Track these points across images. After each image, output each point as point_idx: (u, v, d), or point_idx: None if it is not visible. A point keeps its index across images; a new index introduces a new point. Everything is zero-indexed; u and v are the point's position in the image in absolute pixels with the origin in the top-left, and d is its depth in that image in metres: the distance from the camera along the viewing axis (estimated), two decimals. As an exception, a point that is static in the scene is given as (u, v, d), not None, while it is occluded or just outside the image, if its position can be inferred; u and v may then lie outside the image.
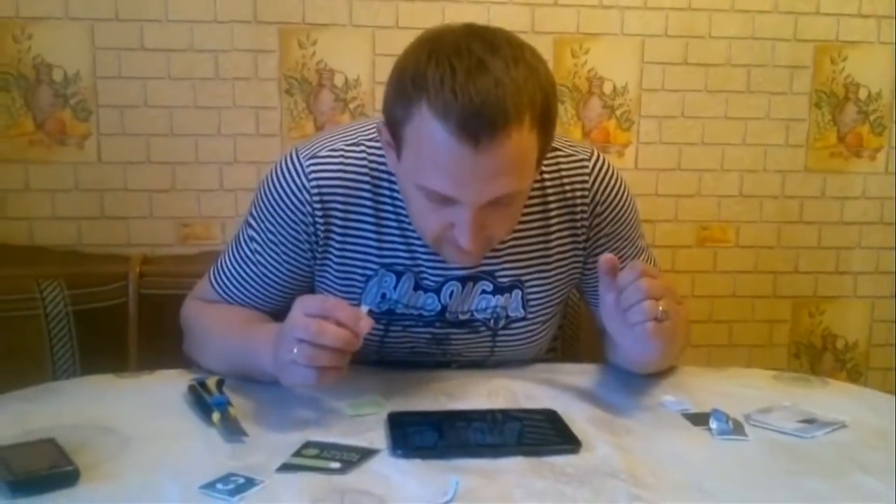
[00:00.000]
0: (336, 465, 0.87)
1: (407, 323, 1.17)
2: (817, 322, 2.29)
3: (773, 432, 1.01)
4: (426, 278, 1.15)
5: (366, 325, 0.95)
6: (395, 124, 0.99)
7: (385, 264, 1.14)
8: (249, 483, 0.83)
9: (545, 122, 0.97)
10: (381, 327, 1.17)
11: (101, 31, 1.92)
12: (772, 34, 2.13)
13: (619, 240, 1.19)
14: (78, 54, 1.92)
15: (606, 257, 0.99)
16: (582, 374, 1.18)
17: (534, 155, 0.98)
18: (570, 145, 1.18)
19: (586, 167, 1.16)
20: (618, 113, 2.13)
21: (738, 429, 1.01)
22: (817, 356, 2.31)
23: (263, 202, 1.15)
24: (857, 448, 0.97)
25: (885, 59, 2.18)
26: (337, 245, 1.14)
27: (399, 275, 1.14)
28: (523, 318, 1.19)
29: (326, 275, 1.16)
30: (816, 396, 1.15)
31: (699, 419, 1.03)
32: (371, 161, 1.12)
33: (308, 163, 1.11)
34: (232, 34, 1.96)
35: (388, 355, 1.19)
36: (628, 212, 1.19)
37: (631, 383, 1.14)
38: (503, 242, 1.14)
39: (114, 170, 1.97)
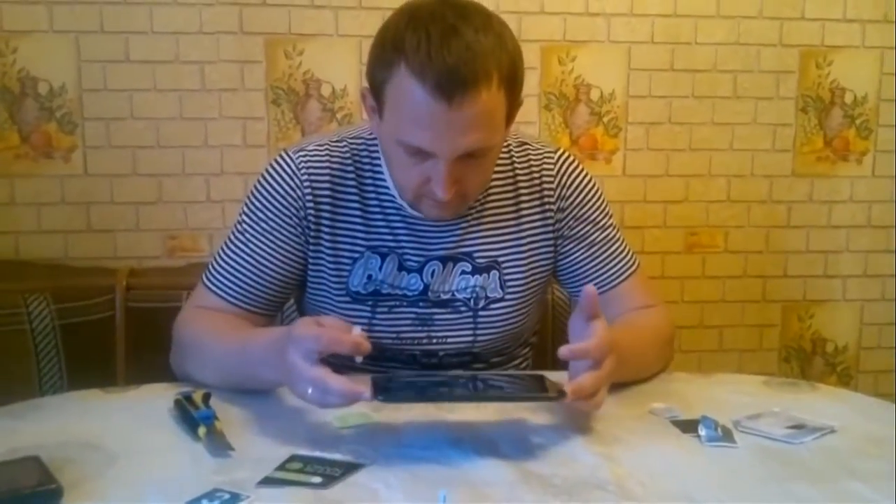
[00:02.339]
0: (318, 479, 0.87)
1: (392, 303, 1.22)
2: (807, 326, 2.29)
3: (763, 438, 1.01)
4: (409, 259, 1.22)
5: (366, 346, 0.97)
6: (377, 86, 1.08)
7: (371, 246, 1.21)
8: (235, 498, 0.82)
9: (512, 83, 1.07)
10: (368, 309, 1.22)
11: (87, 43, 1.91)
12: (757, 40, 2.14)
13: (587, 223, 1.28)
14: (63, 67, 1.92)
15: (589, 289, 1.03)
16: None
17: (502, 112, 1.08)
18: (540, 143, 1.30)
19: (552, 158, 1.27)
20: (605, 120, 2.13)
21: (727, 435, 1.01)
22: (807, 360, 2.31)
23: (257, 196, 1.22)
24: (847, 453, 0.97)
25: (871, 62, 2.19)
26: (327, 229, 1.21)
27: (383, 256, 1.21)
28: (502, 299, 1.24)
29: (321, 259, 1.22)
30: (806, 402, 1.14)
31: (688, 426, 1.03)
32: (354, 153, 1.22)
33: (297, 155, 1.21)
34: (218, 45, 1.96)
35: (376, 342, 1.19)
36: (594, 197, 1.28)
37: (620, 391, 1.14)
38: (479, 224, 1.23)
39: (100, 182, 1.96)
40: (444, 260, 1.23)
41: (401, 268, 1.21)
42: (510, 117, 1.11)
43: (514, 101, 1.09)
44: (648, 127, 2.15)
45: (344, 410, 1.03)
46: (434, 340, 1.24)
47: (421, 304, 1.23)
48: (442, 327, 1.24)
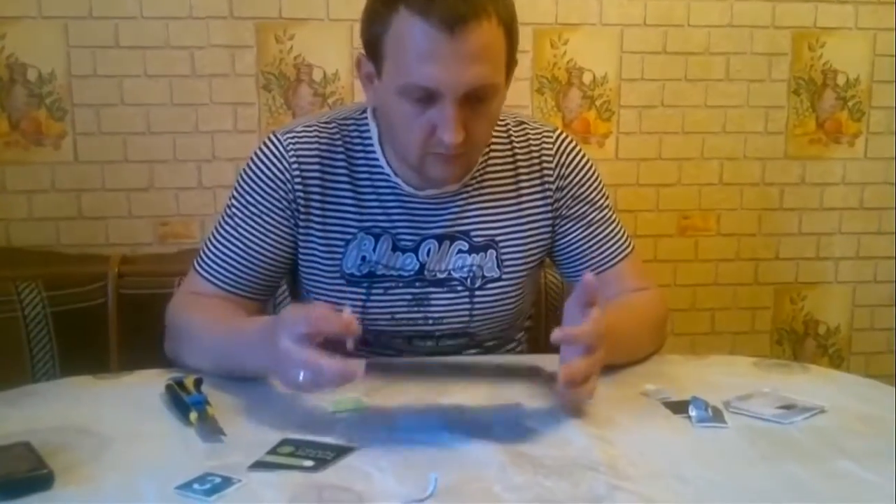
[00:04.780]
0: (309, 462, 0.87)
1: (388, 284, 1.22)
2: (799, 308, 2.30)
3: (753, 419, 1.01)
4: (403, 238, 1.21)
5: (356, 327, 0.96)
6: (374, 42, 1.09)
7: (363, 227, 1.21)
8: (226, 482, 0.82)
9: (510, 29, 1.09)
10: (364, 290, 1.21)
11: (75, 29, 1.90)
12: (750, 21, 2.14)
13: (586, 203, 1.28)
14: (52, 53, 1.90)
15: (588, 277, 1.02)
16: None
17: (502, 52, 1.09)
18: (538, 123, 1.30)
19: (551, 137, 1.28)
20: (598, 103, 2.13)
21: (717, 416, 1.01)
22: (800, 342, 2.32)
23: (245, 179, 1.21)
24: (837, 433, 0.98)
25: (863, 44, 2.19)
26: (317, 211, 1.20)
27: (377, 237, 1.21)
28: (499, 279, 1.24)
29: (311, 242, 1.21)
30: (796, 382, 1.15)
31: (679, 407, 1.03)
32: (344, 134, 1.22)
33: (285, 137, 1.20)
34: (208, 30, 1.95)
35: (371, 324, 1.22)
36: (593, 177, 1.29)
37: (612, 373, 1.14)
38: (477, 201, 1.23)
39: (91, 169, 1.95)
40: (440, 238, 1.22)
41: (395, 248, 1.21)
42: (510, 68, 1.12)
43: (512, 50, 1.10)
44: (641, 110, 2.14)
45: (337, 395, 1.03)
46: (430, 321, 1.24)
47: (417, 283, 1.22)
48: (438, 308, 1.23)
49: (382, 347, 1.24)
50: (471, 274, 1.23)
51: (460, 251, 1.23)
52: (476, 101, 1.07)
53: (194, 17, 1.94)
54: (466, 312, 1.24)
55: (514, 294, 1.26)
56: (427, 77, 1.04)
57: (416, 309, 1.23)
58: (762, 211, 2.23)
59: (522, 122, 1.28)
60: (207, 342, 1.13)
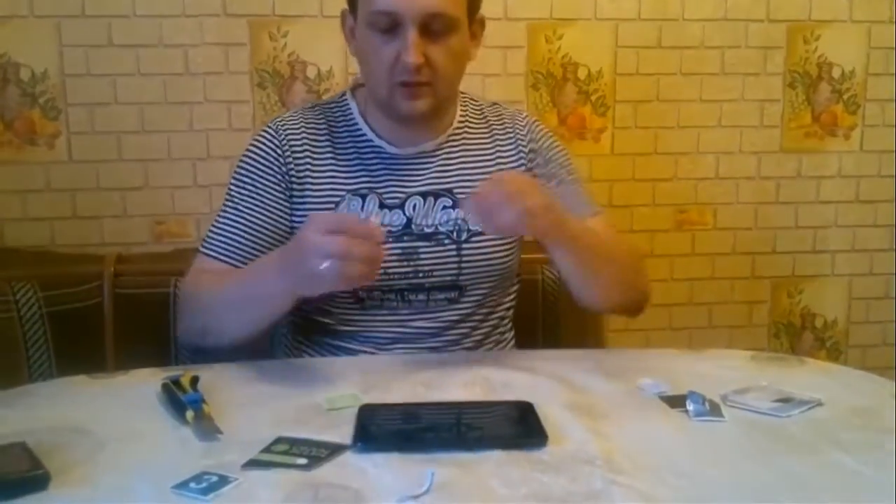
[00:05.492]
0: (303, 461, 0.87)
1: None
2: (796, 301, 2.30)
3: (750, 412, 1.01)
4: (389, 196, 1.29)
5: (380, 232, 1.05)
6: None
7: (350, 190, 1.29)
8: (223, 481, 0.82)
9: None
10: None
11: (68, 28, 1.90)
12: (744, 15, 2.14)
13: (557, 166, 1.38)
14: (45, 52, 1.90)
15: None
16: (560, 360, 1.18)
17: None
18: (511, 107, 1.43)
19: (522, 115, 1.41)
20: (593, 98, 2.13)
21: (714, 410, 1.01)
22: (797, 335, 2.32)
23: (242, 164, 1.31)
24: (834, 426, 0.98)
25: (858, 37, 2.19)
26: (308, 182, 1.28)
27: (364, 197, 1.29)
28: (482, 232, 1.30)
29: (304, 210, 1.28)
30: (793, 376, 1.15)
31: (676, 401, 1.03)
32: (328, 114, 1.34)
33: (274, 123, 1.33)
34: (201, 28, 1.94)
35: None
36: (560, 148, 1.40)
37: (609, 368, 1.14)
38: (458, 161, 1.32)
39: (85, 169, 1.95)
40: (424, 195, 1.30)
41: (382, 206, 1.28)
42: (472, 15, 1.23)
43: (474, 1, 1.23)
44: (636, 105, 2.14)
45: (333, 393, 1.03)
46: (420, 274, 1.28)
47: (405, 237, 1.28)
48: (427, 260, 1.28)
49: (375, 307, 1.28)
50: (456, 227, 1.29)
51: (445, 207, 1.30)
52: (436, 33, 1.18)
53: (187, 14, 1.93)
54: (455, 265, 1.29)
55: (499, 248, 1.32)
56: (387, 2, 1.16)
57: (406, 263, 1.28)
58: (758, 205, 2.23)
59: (496, 104, 1.41)
60: (218, 291, 1.19)
